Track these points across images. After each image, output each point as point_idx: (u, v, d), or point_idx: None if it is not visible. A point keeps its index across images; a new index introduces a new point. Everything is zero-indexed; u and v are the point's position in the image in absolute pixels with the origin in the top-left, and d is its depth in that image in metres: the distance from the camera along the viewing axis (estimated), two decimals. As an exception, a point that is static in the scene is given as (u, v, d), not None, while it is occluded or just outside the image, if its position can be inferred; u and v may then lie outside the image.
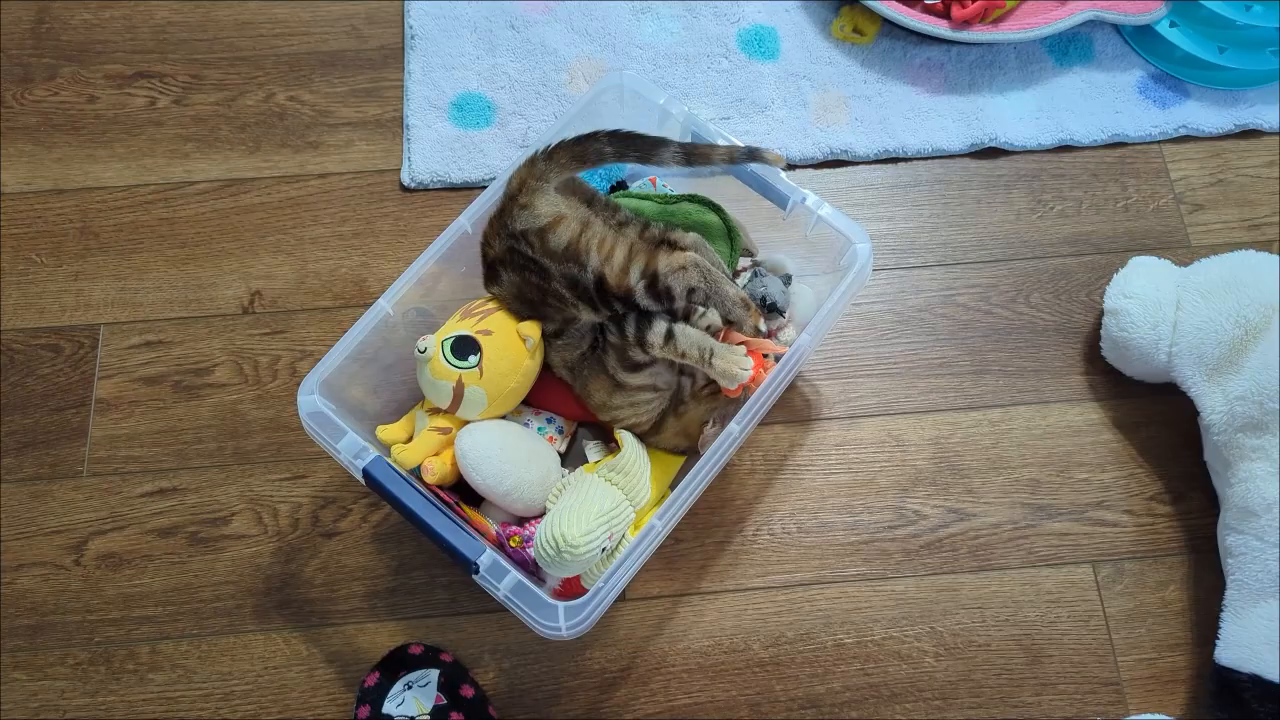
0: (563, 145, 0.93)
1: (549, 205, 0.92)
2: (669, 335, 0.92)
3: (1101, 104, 1.26)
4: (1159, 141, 1.25)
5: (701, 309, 0.95)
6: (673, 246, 0.92)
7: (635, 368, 0.95)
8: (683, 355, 0.92)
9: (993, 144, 1.24)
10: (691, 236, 0.94)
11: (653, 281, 0.90)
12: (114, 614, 1.03)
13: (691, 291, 0.91)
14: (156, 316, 1.16)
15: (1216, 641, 0.96)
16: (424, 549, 1.05)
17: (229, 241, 1.19)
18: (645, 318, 0.93)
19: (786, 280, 1.07)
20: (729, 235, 1.04)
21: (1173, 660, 1.02)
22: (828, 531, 1.07)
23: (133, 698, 1.00)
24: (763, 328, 0.93)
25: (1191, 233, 1.21)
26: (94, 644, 1.02)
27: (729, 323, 0.95)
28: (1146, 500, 1.08)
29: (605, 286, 0.90)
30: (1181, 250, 1.20)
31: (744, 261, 1.07)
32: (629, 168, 1.16)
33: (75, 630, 1.02)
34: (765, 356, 0.97)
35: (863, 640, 1.02)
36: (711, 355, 0.92)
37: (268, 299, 1.16)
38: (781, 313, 1.03)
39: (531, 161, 0.93)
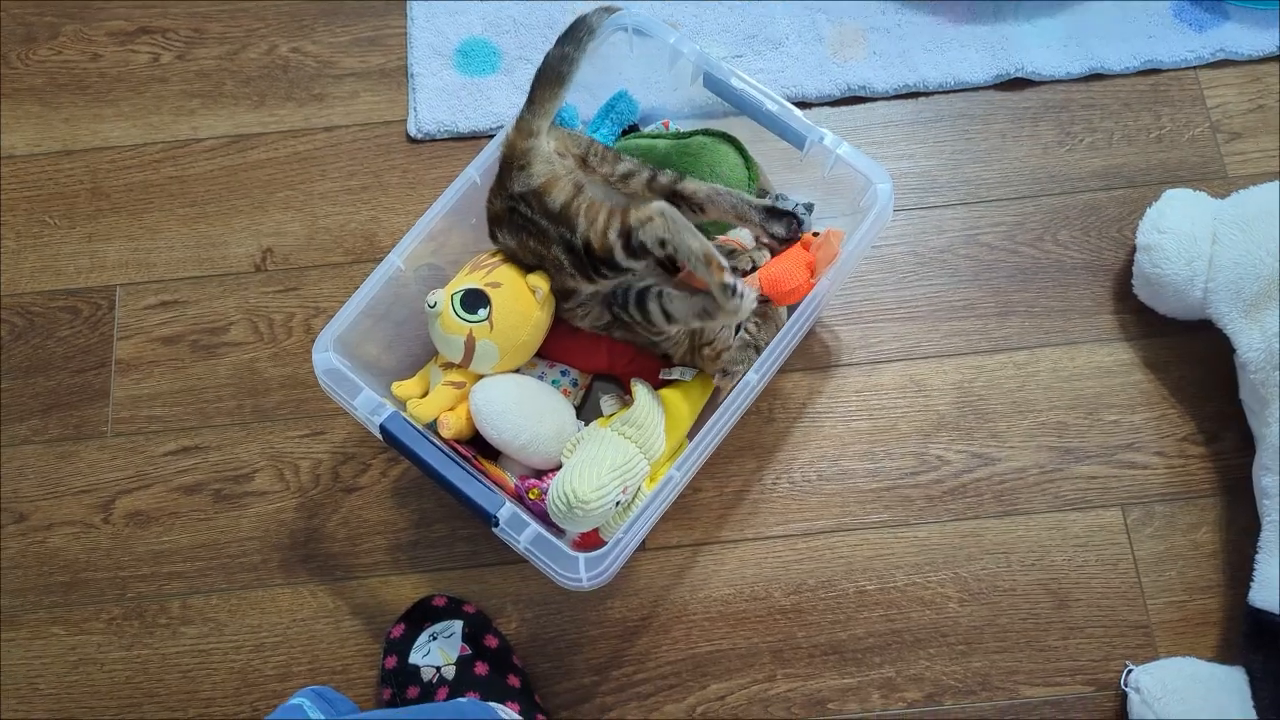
0: (535, 84, 0.93)
1: (543, 165, 0.90)
2: (668, 315, 0.90)
3: (1134, 29, 1.21)
4: (1195, 67, 1.20)
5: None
6: (682, 195, 0.89)
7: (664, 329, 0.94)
8: (689, 325, 0.91)
9: (1019, 74, 1.19)
10: (708, 187, 0.90)
11: (628, 238, 0.87)
12: (144, 570, 1.05)
13: (663, 243, 0.86)
14: (171, 276, 1.15)
15: (1250, 583, 0.94)
16: (444, 502, 1.06)
17: (238, 199, 1.18)
18: (639, 303, 0.91)
19: (809, 208, 1.04)
20: (746, 164, 1.01)
21: (1204, 603, 1.00)
22: (849, 479, 1.06)
23: (166, 650, 1.02)
24: (729, 280, 0.85)
25: (1228, 163, 1.16)
26: (126, 599, 1.04)
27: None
28: (1178, 441, 1.06)
29: (591, 252, 0.89)
30: (1218, 181, 1.15)
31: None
32: (640, 111, 1.13)
33: (108, 586, 1.04)
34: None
35: (885, 587, 1.02)
36: (707, 316, 0.89)
37: (279, 256, 1.16)
38: (803, 226, 0.99)
39: (518, 122, 0.92)
